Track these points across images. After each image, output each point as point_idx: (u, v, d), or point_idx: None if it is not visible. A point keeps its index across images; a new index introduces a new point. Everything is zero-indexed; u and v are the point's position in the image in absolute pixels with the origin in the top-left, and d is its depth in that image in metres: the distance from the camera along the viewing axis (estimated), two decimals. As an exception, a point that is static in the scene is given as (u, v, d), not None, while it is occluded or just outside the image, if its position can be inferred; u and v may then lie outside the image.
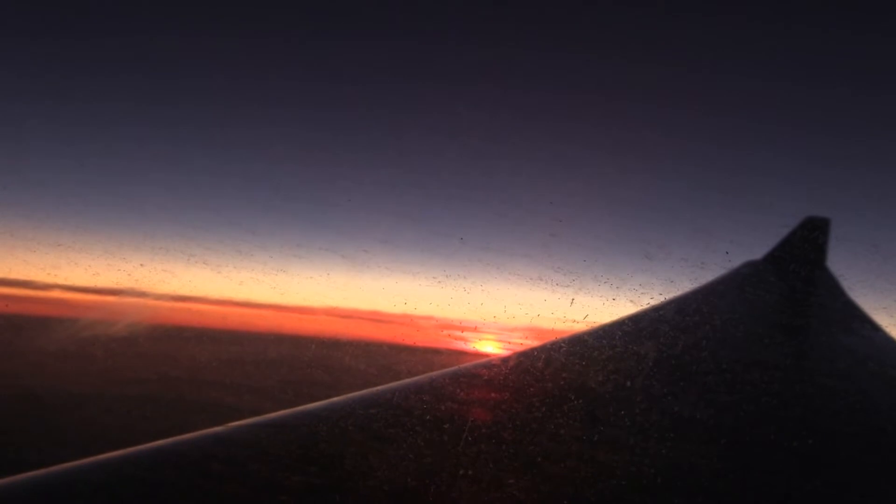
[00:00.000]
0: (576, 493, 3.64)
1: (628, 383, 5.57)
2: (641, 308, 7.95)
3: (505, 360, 5.83)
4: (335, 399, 4.62)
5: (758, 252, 10.67)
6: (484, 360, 5.85)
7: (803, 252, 10.18)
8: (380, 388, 4.86)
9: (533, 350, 6.18)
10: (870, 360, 7.75)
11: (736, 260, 10.35)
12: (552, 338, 6.71)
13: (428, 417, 4.29)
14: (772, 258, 10.31)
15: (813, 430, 5.23)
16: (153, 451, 3.59)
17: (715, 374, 6.28)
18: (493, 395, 5.02)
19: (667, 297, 8.47)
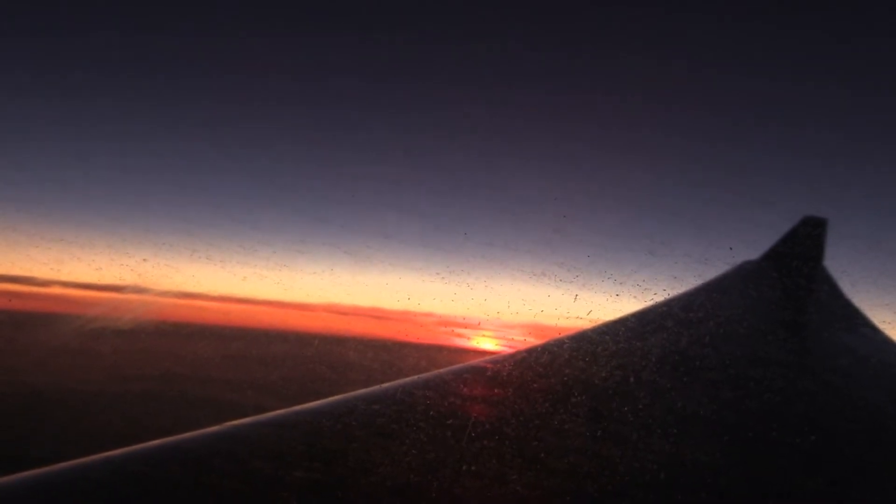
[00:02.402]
0: (580, 489, 3.64)
1: (632, 380, 5.58)
2: (645, 305, 7.96)
3: (509, 357, 5.84)
4: (339, 396, 4.63)
5: (760, 248, 10.68)
6: (486, 357, 5.85)
7: (801, 251, 10.19)
8: (384, 385, 4.87)
9: (537, 347, 6.19)
10: (867, 359, 7.76)
11: (738, 256, 10.37)
12: (554, 335, 6.72)
13: (432, 413, 4.29)
14: (769, 257, 10.32)
15: (811, 427, 5.24)
16: (156, 449, 3.59)
17: (716, 372, 6.29)
18: (497, 392, 5.02)
19: (670, 293, 8.48)
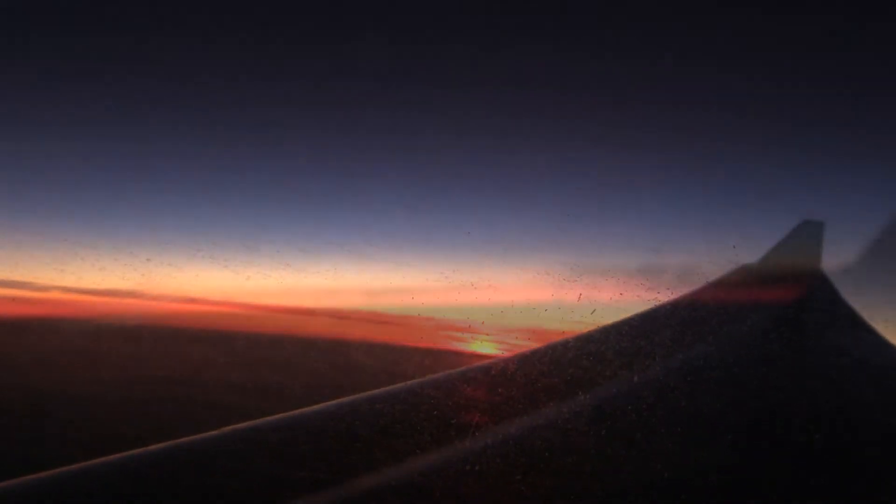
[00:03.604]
0: (585, 489, 3.65)
1: (635, 380, 5.60)
2: (647, 304, 8.00)
3: (512, 358, 5.87)
4: (342, 399, 4.65)
5: (761, 247, 10.71)
6: (490, 360, 5.88)
7: (799, 254, 10.24)
8: (388, 387, 4.89)
9: (542, 349, 6.22)
10: (864, 360, 7.79)
11: (741, 255, 10.41)
12: (556, 337, 6.74)
13: (436, 414, 4.31)
14: (768, 261, 10.37)
15: (810, 427, 5.26)
16: (161, 451, 3.61)
17: (717, 373, 6.31)
18: (503, 393, 5.04)
19: (673, 292, 8.52)
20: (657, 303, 8.15)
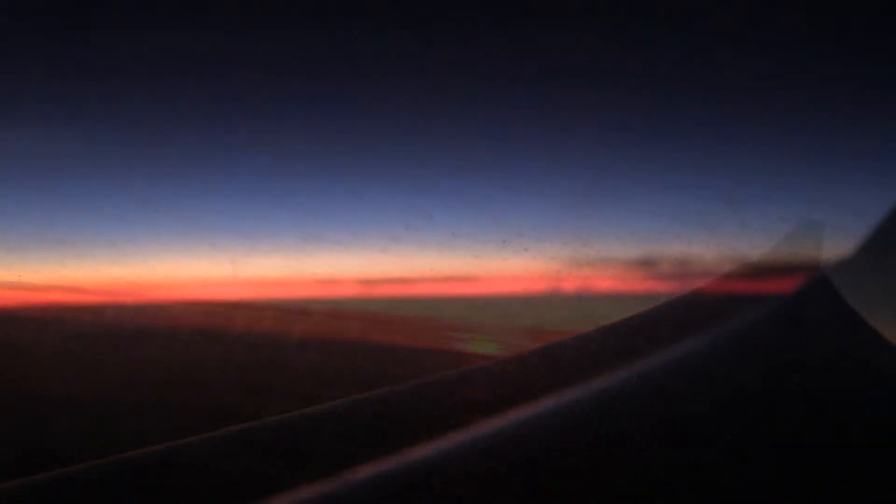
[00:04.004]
0: (583, 490, 3.66)
1: (634, 380, 5.60)
2: (646, 296, 8.02)
3: (512, 358, 5.87)
4: (341, 400, 4.65)
5: (761, 245, 10.72)
6: (490, 360, 5.88)
7: (798, 253, 10.27)
8: (388, 388, 4.89)
9: (541, 349, 6.23)
10: (863, 359, 7.80)
11: (740, 252, 10.42)
12: (555, 338, 6.75)
13: (435, 414, 4.31)
14: (767, 259, 10.39)
15: (810, 428, 5.27)
16: (160, 452, 3.62)
17: (716, 372, 6.32)
18: (501, 393, 5.05)
19: (672, 290, 8.54)
20: (656, 299, 8.18)
